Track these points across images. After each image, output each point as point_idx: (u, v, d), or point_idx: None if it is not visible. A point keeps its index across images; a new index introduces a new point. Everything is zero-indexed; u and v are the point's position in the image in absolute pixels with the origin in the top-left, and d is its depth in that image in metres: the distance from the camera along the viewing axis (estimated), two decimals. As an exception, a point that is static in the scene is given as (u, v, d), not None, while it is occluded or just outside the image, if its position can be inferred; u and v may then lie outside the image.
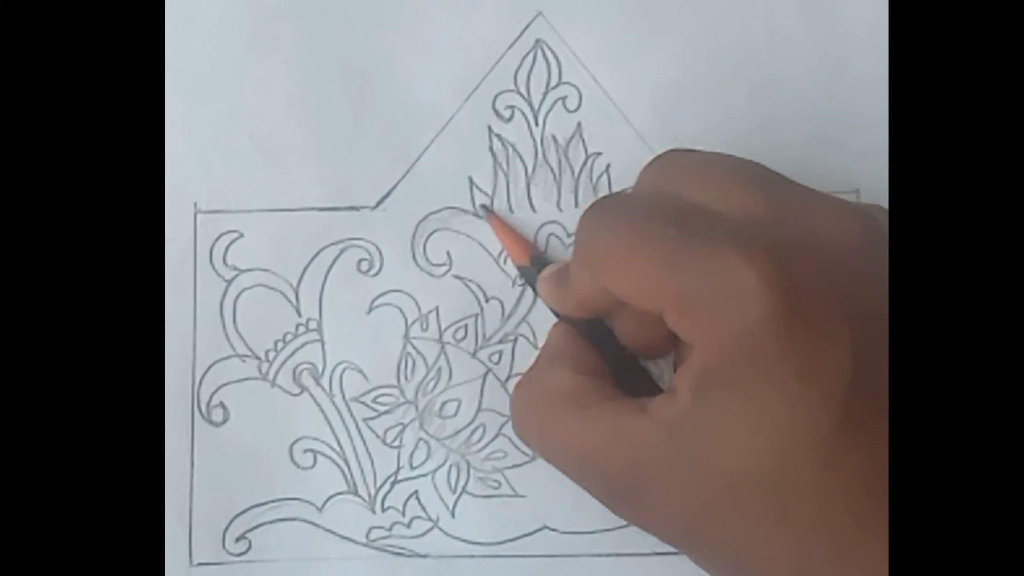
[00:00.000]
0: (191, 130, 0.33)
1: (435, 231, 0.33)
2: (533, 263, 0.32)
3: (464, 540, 0.32)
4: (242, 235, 0.33)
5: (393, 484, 0.32)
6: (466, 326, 0.33)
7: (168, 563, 0.32)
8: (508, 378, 0.33)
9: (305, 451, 0.32)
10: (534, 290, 0.32)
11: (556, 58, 0.33)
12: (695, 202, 0.26)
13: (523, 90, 0.33)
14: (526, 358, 0.32)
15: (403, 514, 0.32)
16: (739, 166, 0.27)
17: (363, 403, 0.33)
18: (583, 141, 0.33)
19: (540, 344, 0.32)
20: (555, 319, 0.31)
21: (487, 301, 0.33)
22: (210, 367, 0.33)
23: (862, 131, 0.33)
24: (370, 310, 0.33)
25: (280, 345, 0.33)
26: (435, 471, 0.32)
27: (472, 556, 0.32)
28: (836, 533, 0.23)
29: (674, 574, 0.31)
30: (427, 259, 0.33)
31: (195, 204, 0.33)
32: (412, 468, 0.32)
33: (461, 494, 0.32)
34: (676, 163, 0.28)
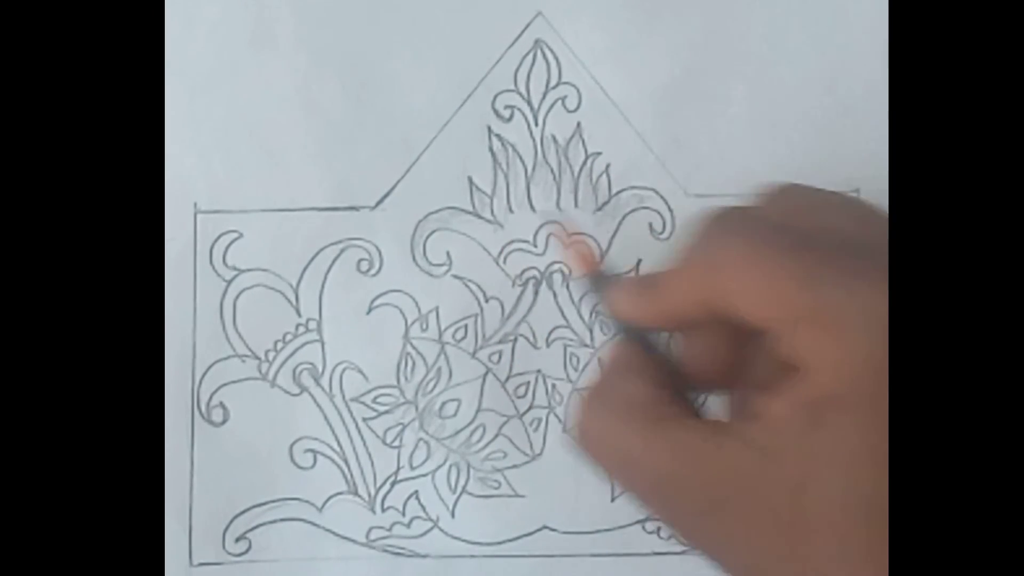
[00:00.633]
0: (191, 130, 0.33)
1: (435, 231, 0.33)
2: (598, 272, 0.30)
3: (464, 540, 0.32)
4: (242, 235, 0.33)
5: (393, 484, 0.32)
6: (466, 326, 0.33)
7: (168, 563, 0.32)
8: (508, 378, 0.33)
9: (305, 451, 0.32)
10: (596, 299, 0.30)
11: (556, 58, 0.33)
12: (823, 226, 0.25)
13: (523, 90, 0.33)
14: (526, 358, 0.32)
15: (403, 514, 0.32)
16: (855, 200, 0.27)
17: (363, 403, 0.33)
18: (583, 141, 0.33)
19: (540, 344, 0.32)
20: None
21: (487, 301, 0.33)
22: (210, 367, 0.33)
23: (862, 131, 0.33)
24: (370, 310, 0.33)
25: (280, 345, 0.33)
26: (435, 471, 0.32)
27: (472, 556, 0.32)
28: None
29: (674, 574, 0.31)
30: (427, 259, 0.33)
31: (195, 204, 0.33)
32: (412, 468, 0.32)
33: (461, 494, 0.32)
34: (797, 191, 0.27)
